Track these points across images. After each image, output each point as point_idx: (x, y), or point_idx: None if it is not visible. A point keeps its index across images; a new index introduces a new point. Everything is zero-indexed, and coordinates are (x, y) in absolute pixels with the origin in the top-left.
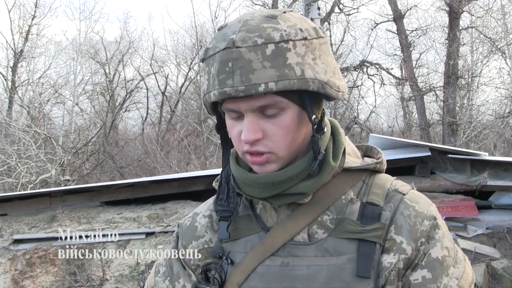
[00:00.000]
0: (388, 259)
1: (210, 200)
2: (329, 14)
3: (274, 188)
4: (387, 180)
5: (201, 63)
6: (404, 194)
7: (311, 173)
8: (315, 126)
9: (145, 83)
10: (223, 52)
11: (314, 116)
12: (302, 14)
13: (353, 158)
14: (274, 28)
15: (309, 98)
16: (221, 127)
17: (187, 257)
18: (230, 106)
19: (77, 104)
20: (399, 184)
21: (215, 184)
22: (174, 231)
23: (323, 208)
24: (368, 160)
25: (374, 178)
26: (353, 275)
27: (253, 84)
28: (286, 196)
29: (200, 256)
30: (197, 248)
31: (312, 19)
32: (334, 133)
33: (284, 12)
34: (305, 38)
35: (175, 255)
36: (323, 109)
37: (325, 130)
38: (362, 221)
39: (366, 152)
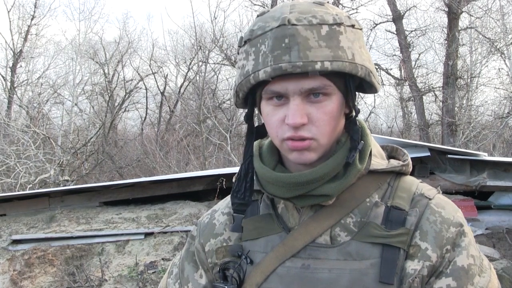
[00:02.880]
0: (412, 266)
1: (228, 198)
2: None
3: (298, 189)
4: (412, 183)
5: (241, 48)
6: (430, 199)
7: (349, 161)
8: (355, 115)
9: (144, 83)
10: (278, 29)
11: (355, 105)
12: None
13: (378, 160)
14: (325, 12)
15: (353, 86)
16: (250, 117)
17: (204, 255)
18: (277, 87)
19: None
20: (425, 188)
21: (235, 178)
22: (173, 232)
23: (347, 210)
24: (394, 162)
25: (400, 181)
26: (375, 281)
27: (310, 61)
28: (310, 197)
29: (218, 254)
30: (215, 246)
31: None
32: (361, 133)
33: (327, 2)
34: (353, 26)
35: (187, 256)
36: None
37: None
38: (386, 225)
39: (391, 153)
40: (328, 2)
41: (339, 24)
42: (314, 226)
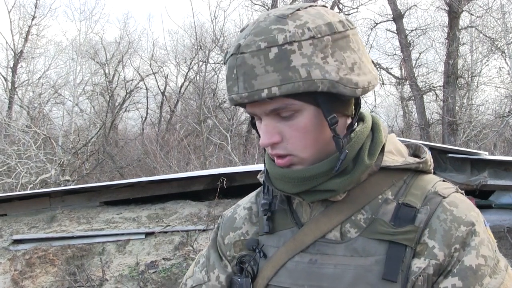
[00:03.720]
0: (418, 264)
1: (253, 193)
2: None
3: (304, 184)
4: (430, 181)
5: None
6: (444, 197)
7: (334, 173)
8: (334, 125)
9: (144, 83)
10: (230, 58)
11: (332, 116)
12: None
13: (394, 157)
14: (280, 30)
15: (326, 98)
16: (253, 125)
17: (224, 248)
18: (249, 110)
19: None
20: (442, 186)
21: (259, 176)
22: (173, 231)
23: (358, 206)
24: (410, 160)
25: (417, 179)
26: (379, 278)
27: (256, 90)
28: (317, 192)
29: (235, 248)
30: (233, 239)
31: None
32: (374, 129)
33: (299, 10)
34: (313, 37)
35: (213, 245)
36: (358, 105)
37: (355, 128)
38: (395, 222)
39: (416, 151)
40: (299, 10)
41: (291, 43)
42: (324, 222)
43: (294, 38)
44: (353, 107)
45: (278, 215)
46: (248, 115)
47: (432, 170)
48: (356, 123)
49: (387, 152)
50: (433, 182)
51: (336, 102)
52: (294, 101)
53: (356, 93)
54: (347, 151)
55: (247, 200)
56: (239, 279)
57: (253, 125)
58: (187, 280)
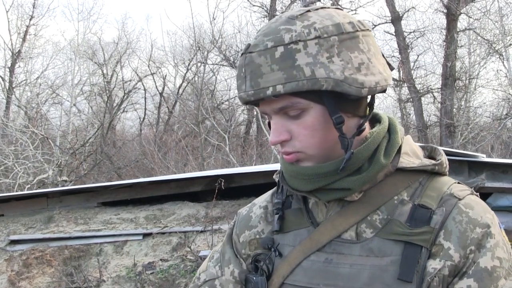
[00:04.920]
0: (433, 265)
1: (269, 192)
2: None
3: (318, 181)
4: (445, 183)
5: None
6: (460, 199)
7: (339, 172)
8: (340, 125)
9: (142, 84)
10: (241, 58)
11: (338, 115)
12: None
13: (411, 159)
14: (287, 30)
15: (331, 97)
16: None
17: (239, 246)
18: (260, 109)
19: (74, 104)
20: (458, 188)
21: (275, 176)
22: (171, 232)
23: (374, 207)
24: (426, 161)
25: (433, 181)
26: (394, 278)
27: (261, 88)
28: (332, 191)
29: (250, 246)
30: (249, 237)
31: None
32: (390, 130)
33: (309, 11)
34: (319, 37)
35: (229, 241)
36: (372, 106)
37: (367, 127)
38: (411, 223)
39: (431, 153)
40: (309, 11)
41: (296, 42)
42: (340, 222)
43: (300, 37)
44: (367, 108)
45: (294, 214)
46: (260, 116)
47: (447, 172)
48: (369, 124)
49: (403, 153)
50: (449, 184)
51: (343, 102)
52: (300, 99)
53: (361, 93)
54: (352, 151)
55: (263, 199)
56: (254, 278)
57: (269, 125)
58: (201, 275)
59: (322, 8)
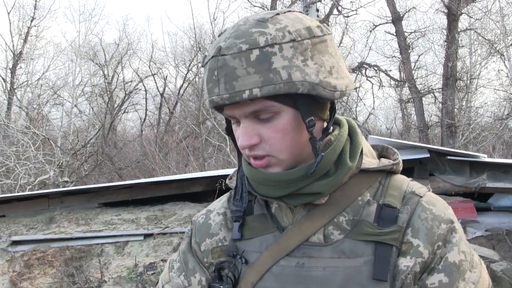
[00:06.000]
0: (405, 263)
1: (224, 198)
2: (327, 16)
3: (288, 186)
4: (403, 182)
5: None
6: (421, 197)
7: (309, 175)
8: (312, 128)
9: (143, 84)
10: (211, 60)
11: (310, 118)
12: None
13: (370, 159)
14: (261, 33)
15: (304, 100)
16: (230, 130)
17: (200, 254)
18: (227, 112)
19: (75, 105)
20: (416, 186)
21: (229, 182)
22: (172, 233)
23: (340, 209)
24: (385, 161)
25: (391, 180)
26: (369, 278)
27: (237, 91)
28: (302, 195)
29: (213, 254)
30: (211, 246)
31: None
32: (351, 133)
33: (278, 14)
34: (294, 40)
35: (190, 250)
36: (333, 109)
37: (331, 130)
38: (379, 223)
39: (382, 152)
40: (278, 14)
41: (272, 45)
42: (307, 225)
43: (275, 40)
44: (329, 112)
45: (257, 220)
46: (213, 122)
47: (400, 170)
48: (331, 127)
49: (364, 154)
50: (406, 182)
51: (314, 105)
52: (274, 103)
53: (334, 96)
54: (323, 154)
55: (220, 205)
56: (220, 286)
57: (228, 130)
58: (165, 286)
59: (289, 11)
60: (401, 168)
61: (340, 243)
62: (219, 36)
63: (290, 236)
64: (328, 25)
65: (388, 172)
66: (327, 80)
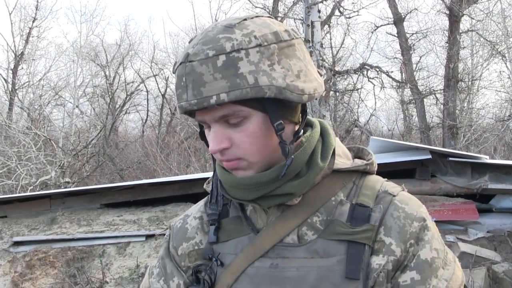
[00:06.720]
0: (377, 261)
1: (201, 202)
2: (329, 17)
3: (260, 189)
4: (377, 182)
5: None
6: (394, 196)
7: (280, 178)
8: (281, 132)
9: (145, 85)
10: (179, 67)
11: (279, 122)
12: (302, 17)
13: (343, 160)
14: (227, 38)
15: (273, 104)
16: (204, 135)
17: (178, 258)
18: (198, 118)
19: (77, 106)
20: (390, 185)
21: (206, 186)
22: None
23: (313, 209)
24: (358, 162)
25: (365, 180)
26: (342, 277)
27: (205, 97)
28: (274, 197)
29: (190, 258)
30: (187, 249)
31: (312, 22)
32: (323, 134)
33: (245, 20)
34: (260, 45)
35: (168, 255)
36: (304, 112)
37: (302, 133)
38: (351, 222)
39: (357, 153)
40: (246, 20)
41: (238, 50)
42: (281, 226)
43: (241, 45)
44: (300, 115)
45: (233, 222)
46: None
47: (375, 171)
48: (303, 130)
49: (337, 155)
50: (380, 182)
51: (283, 109)
52: (242, 107)
53: (302, 99)
54: (293, 156)
55: (196, 209)
56: None
57: (201, 135)
58: None
59: (257, 17)
60: (375, 169)
61: (314, 243)
62: (189, 42)
63: (265, 238)
64: (330, 26)
65: (363, 173)
66: (294, 83)
